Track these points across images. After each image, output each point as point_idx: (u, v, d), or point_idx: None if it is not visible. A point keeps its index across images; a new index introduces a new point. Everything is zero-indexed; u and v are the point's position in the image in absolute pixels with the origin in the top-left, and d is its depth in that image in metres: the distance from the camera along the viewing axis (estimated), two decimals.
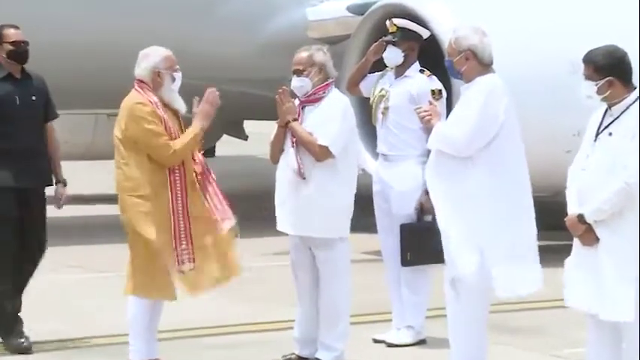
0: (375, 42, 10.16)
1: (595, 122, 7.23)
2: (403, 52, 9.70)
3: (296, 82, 8.47)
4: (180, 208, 7.88)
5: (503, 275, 7.75)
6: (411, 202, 9.30)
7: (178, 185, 7.91)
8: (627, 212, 7.12)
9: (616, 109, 7.17)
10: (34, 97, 9.15)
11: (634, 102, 7.20)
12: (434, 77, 9.44)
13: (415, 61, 9.76)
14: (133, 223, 7.90)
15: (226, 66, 15.05)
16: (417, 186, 9.20)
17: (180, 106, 8.19)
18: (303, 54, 8.60)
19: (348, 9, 15.75)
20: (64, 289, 11.16)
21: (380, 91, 9.80)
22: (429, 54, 10.40)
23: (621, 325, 7.25)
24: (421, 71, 9.67)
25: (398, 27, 9.89)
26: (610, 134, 7.16)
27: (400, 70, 9.74)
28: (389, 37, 9.84)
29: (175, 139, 7.94)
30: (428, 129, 8.05)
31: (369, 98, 9.94)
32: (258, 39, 15.35)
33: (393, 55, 9.74)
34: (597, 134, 7.20)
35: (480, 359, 7.96)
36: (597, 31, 11.55)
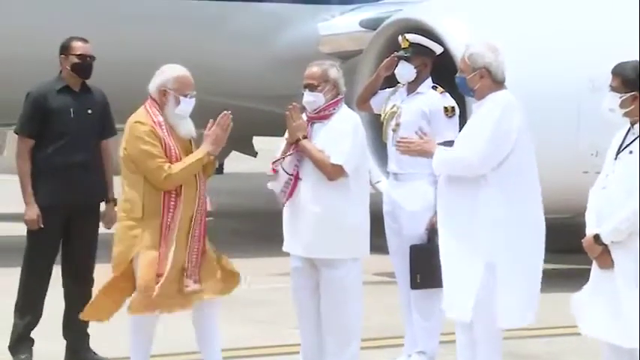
0: (387, 58, 10.07)
1: (617, 140, 7.16)
2: (416, 68, 9.62)
3: (309, 97, 8.31)
4: (167, 235, 7.81)
5: (505, 304, 7.71)
6: (421, 223, 9.19)
7: (171, 212, 7.82)
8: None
9: (638, 127, 7.13)
10: (89, 111, 9.04)
11: None
12: (447, 94, 9.35)
13: (428, 77, 9.67)
14: (123, 248, 7.89)
15: (236, 81, 15.04)
16: (428, 206, 9.08)
17: (185, 131, 8.09)
18: (316, 69, 8.45)
19: (361, 24, 15.77)
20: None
21: (392, 108, 9.70)
22: (443, 69, 10.27)
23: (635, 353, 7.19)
24: (434, 87, 9.58)
25: (410, 42, 9.82)
26: (631, 152, 7.09)
27: (412, 87, 9.65)
28: (401, 53, 9.77)
29: (176, 161, 7.87)
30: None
31: (379, 115, 9.86)
32: (269, 53, 15.41)
33: (405, 71, 9.65)
34: (618, 152, 7.14)
35: None
36: (617, 49, 11.48)
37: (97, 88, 9.19)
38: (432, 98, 9.39)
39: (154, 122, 7.88)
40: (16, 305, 9.05)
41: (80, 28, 13.96)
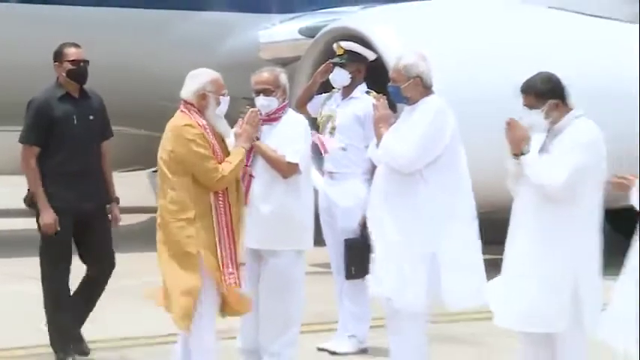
0: (324, 64, 10.29)
1: (539, 141, 7.43)
2: (350, 73, 9.83)
3: (263, 102, 8.49)
4: (226, 232, 7.69)
5: (452, 288, 7.94)
6: (355, 218, 9.37)
7: (222, 209, 7.71)
8: (550, 226, 7.37)
9: (557, 128, 7.43)
10: (91, 117, 8.97)
11: (573, 120, 7.45)
12: (381, 96, 9.27)
13: (362, 83, 9.90)
14: (181, 246, 7.64)
15: (180, 87, 15.06)
16: (360, 203, 9.22)
17: (226, 130, 7.99)
18: (268, 75, 8.69)
19: (300, 32, 15.93)
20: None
21: (328, 112, 9.93)
22: (375, 75, 10.51)
23: (553, 336, 7.48)
24: (367, 92, 9.76)
25: (345, 50, 10.02)
26: (548, 151, 7.40)
27: (347, 92, 9.87)
28: (336, 60, 9.99)
29: (221, 162, 7.75)
30: (378, 137, 8.13)
31: (315, 118, 10.04)
32: (213, 59, 15.18)
33: (340, 77, 9.88)
34: (540, 151, 7.42)
35: None
36: (537, 54, 11.83)
37: (95, 92, 9.14)
38: (366, 102, 9.45)
39: (200, 125, 7.73)
40: (45, 309, 8.95)
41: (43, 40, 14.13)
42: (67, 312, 8.85)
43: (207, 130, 7.77)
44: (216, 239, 7.66)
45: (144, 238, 8.92)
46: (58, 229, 8.70)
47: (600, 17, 14.98)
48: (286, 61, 14.81)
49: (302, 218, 8.70)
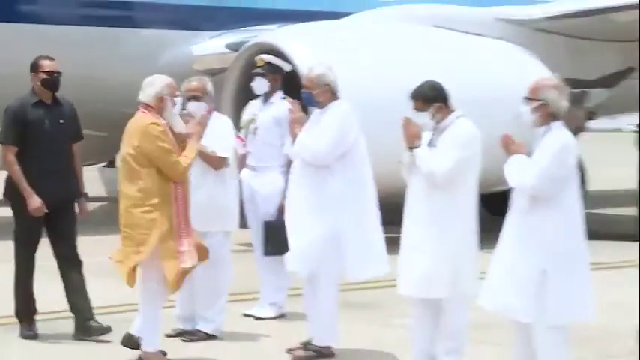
0: (248, 73, 10.35)
1: (427, 137, 7.51)
2: (269, 82, 9.83)
3: (194, 107, 8.54)
4: (183, 216, 7.67)
5: (357, 261, 8.04)
6: (273, 204, 9.41)
7: (180, 196, 7.69)
8: (437, 208, 7.45)
9: (442, 127, 7.52)
10: (62, 121, 8.75)
11: (455, 120, 7.54)
12: (295, 100, 9.32)
13: (279, 90, 9.89)
14: (146, 228, 7.56)
15: (128, 93, 14.94)
16: (278, 191, 9.30)
17: (181, 127, 7.95)
18: (197, 83, 8.77)
19: (226, 46, 15.93)
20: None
21: (250, 115, 9.94)
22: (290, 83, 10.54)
23: (440, 302, 7.55)
24: (283, 98, 9.69)
25: (264, 62, 10.02)
26: (435, 146, 7.49)
27: (267, 97, 9.86)
28: (257, 70, 9.97)
29: (179, 156, 7.73)
30: (294, 135, 8.19)
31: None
32: (153, 70, 15.19)
33: (260, 85, 9.89)
34: (428, 145, 7.50)
35: (333, 331, 8.19)
36: (424, 65, 11.93)
37: (67, 99, 8.93)
38: (282, 107, 9.37)
39: (164, 125, 7.72)
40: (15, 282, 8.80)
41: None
42: (29, 286, 8.75)
43: (167, 128, 7.76)
44: (175, 222, 7.61)
45: (95, 223, 8.85)
46: (46, 211, 8.53)
47: (475, 34, 15.26)
48: (215, 71, 14.84)
49: (228, 204, 8.81)
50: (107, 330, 8.54)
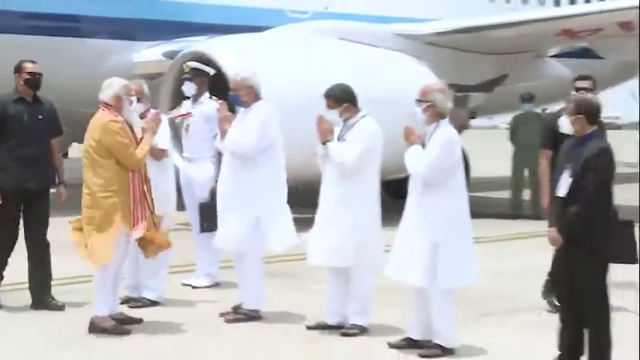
0: (182, 77, 10.29)
1: (337, 132, 7.64)
2: (196, 85, 9.82)
3: (138, 106, 8.47)
4: (139, 199, 7.63)
5: (276, 237, 8.07)
6: (206, 189, 9.38)
7: (137, 183, 7.63)
8: (346, 192, 7.58)
9: (349, 124, 7.64)
10: (40, 117, 8.54)
11: (361, 118, 7.66)
12: (222, 100, 9.27)
13: (206, 91, 9.88)
14: (107, 211, 7.53)
15: (79, 94, 14.73)
16: (210, 178, 9.31)
17: (137, 122, 7.92)
18: (136, 86, 8.66)
19: (163, 54, 15.81)
20: None
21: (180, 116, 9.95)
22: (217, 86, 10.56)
23: (349, 270, 7.64)
24: (210, 98, 9.75)
25: (192, 68, 10.02)
26: (345, 140, 7.60)
27: (196, 98, 9.84)
28: (186, 75, 9.98)
29: (135, 148, 7.68)
30: (223, 132, 8.20)
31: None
32: (98, 75, 15.07)
33: (189, 88, 9.88)
34: (338, 140, 7.61)
35: (260, 297, 8.22)
36: (332, 70, 12.01)
37: (47, 98, 8.73)
38: (210, 105, 9.46)
39: (122, 121, 7.68)
40: None
41: None
42: (4, 259, 8.61)
43: (125, 125, 7.72)
44: (132, 205, 7.60)
45: (55, 206, 8.76)
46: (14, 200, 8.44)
47: (373, 46, 15.40)
48: (153, 76, 14.66)
49: (167, 189, 8.78)
50: (62, 307, 8.45)
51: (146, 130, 7.94)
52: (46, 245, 8.67)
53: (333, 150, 7.58)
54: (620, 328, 7.19)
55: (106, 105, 7.77)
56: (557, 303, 7.03)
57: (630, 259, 7.75)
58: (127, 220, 7.61)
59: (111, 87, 7.82)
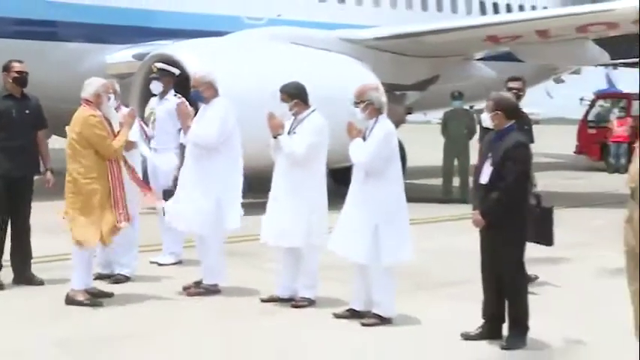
0: (149, 77, 10.19)
1: (287, 125, 7.59)
2: (162, 84, 9.74)
3: (113, 103, 8.29)
4: (117, 185, 7.60)
5: (229, 218, 8.00)
6: (170, 176, 9.25)
7: (114, 171, 7.61)
8: (296, 180, 7.53)
9: (300, 118, 7.59)
10: (27, 112, 8.40)
11: (310, 113, 7.61)
12: (183, 98, 9.35)
13: (171, 90, 9.77)
14: (88, 195, 7.51)
15: (60, 91, 14.59)
16: (173, 167, 9.16)
17: (115, 118, 7.92)
18: (109, 84, 8.38)
19: (133, 56, 15.58)
20: None
21: (150, 110, 9.88)
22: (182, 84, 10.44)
23: (298, 250, 7.61)
24: (175, 95, 9.63)
25: (158, 68, 9.93)
26: (295, 133, 7.55)
27: (162, 95, 9.76)
28: (153, 75, 9.89)
29: (113, 140, 7.64)
30: (186, 127, 8.13)
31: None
32: (76, 75, 14.95)
33: (156, 86, 9.81)
34: (289, 133, 7.56)
35: (219, 273, 8.16)
36: (285, 70, 11.92)
37: (33, 95, 8.58)
38: (174, 102, 9.33)
39: (98, 115, 7.63)
40: None
41: None
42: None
43: (104, 119, 7.69)
44: (111, 190, 7.58)
45: (39, 192, 8.66)
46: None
47: (322, 49, 15.39)
48: (124, 75, 14.49)
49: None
50: (42, 283, 8.35)
51: (123, 124, 7.92)
52: (28, 228, 8.54)
53: (284, 142, 7.54)
54: (538, 298, 7.27)
55: (87, 102, 7.74)
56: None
57: (547, 242, 7.87)
58: (107, 204, 7.56)
59: (91, 85, 7.80)
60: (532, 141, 8.05)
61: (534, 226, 7.50)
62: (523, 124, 8.06)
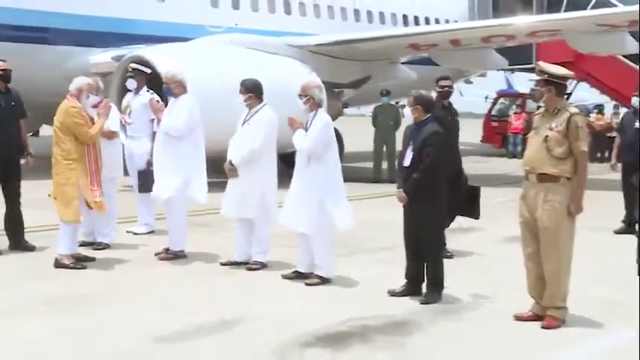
0: (125, 75, 10.01)
1: (242, 118, 7.49)
2: (137, 81, 9.58)
3: (94, 98, 8.03)
4: (93, 167, 7.47)
5: (196, 193, 7.90)
6: (144, 159, 9.14)
7: (91, 154, 7.47)
8: (253, 165, 7.41)
9: (253, 111, 7.47)
10: (13, 103, 8.21)
11: (262, 107, 7.49)
12: (154, 94, 9.23)
13: (144, 86, 9.60)
14: (67, 175, 7.38)
15: (48, 87, 14.33)
16: (147, 151, 9.01)
17: (90, 111, 7.70)
18: (93, 82, 8.16)
19: (112, 58, 15.29)
20: None
21: (126, 103, 9.70)
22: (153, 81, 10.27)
23: (252, 220, 7.51)
24: (148, 91, 9.47)
25: (132, 68, 9.77)
26: (249, 124, 7.44)
27: (137, 91, 9.58)
28: (129, 74, 9.73)
29: (90, 127, 7.49)
30: (158, 119, 8.07)
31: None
32: (65, 72, 14.74)
33: (131, 83, 9.64)
34: (243, 123, 7.48)
35: (183, 240, 8.06)
36: (242, 70, 11.78)
37: (15, 89, 8.35)
38: (146, 96, 9.23)
39: (78, 107, 7.50)
40: None
41: None
42: None
43: (83, 110, 7.56)
44: (88, 171, 7.45)
45: (28, 173, 8.46)
46: None
47: (272, 53, 15.31)
48: (106, 74, 14.20)
49: (117, 160, 8.65)
50: (33, 248, 8.19)
51: (99, 114, 7.78)
52: (19, 202, 8.36)
53: (240, 135, 7.52)
54: (451, 261, 7.29)
55: (71, 95, 7.63)
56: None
57: (475, 216, 7.94)
58: (85, 182, 7.42)
59: (76, 82, 7.71)
60: (458, 128, 8.14)
61: (464, 202, 7.57)
62: (452, 114, 8.10)
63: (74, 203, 7.41)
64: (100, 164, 7.60)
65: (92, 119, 7.66)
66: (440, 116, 7.82)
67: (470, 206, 7.72)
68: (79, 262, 7.54)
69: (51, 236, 8.32)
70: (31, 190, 8.55)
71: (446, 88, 8.22)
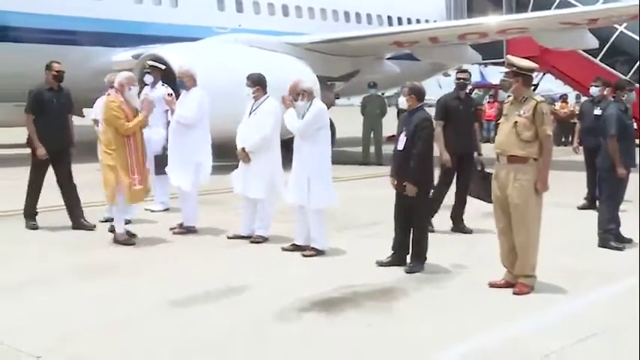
0: (143, 71, 9.89)
1: (248, 108, 7.37)
2: (153, 76, 9.48)
3: (135, 90, 7.79)
4: (134, 157, 7.22)
5: (203, 176, 7.85)
6: (160, 145, 9.05)
7: (132, 145, 7.19)
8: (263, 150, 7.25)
9: (258, 102, 7.36)
10: (63, 101, 8.06)
11: (266, 98, 7.36)
12: (169, 87, 9.15)
13: (159, 80, 9.51)
14: (110, 162, 7.18)
15: (76, 83, 13.91)
16: (162, 138, 8.95)
17: (136, 103, 7.41)
18: (132, 76, 8.01)
19: (132, 56, 15.07)
20: None
21: (145, 95, 9.39)
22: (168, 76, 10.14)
23: (256, 200, 7.40)
24: (163, 85, 9.39)
25: (149, 65, 9.70)
26: (256, 114, 7.32)
27: (153, 85, 9.48)
28: (146, 70, 9.66)
29: (130, 121, 7.20)
30: (171, 110, 7.94)
31: None
32: (91, 70, 14.70)
33: (148, 78, 9.53)
34: (250, 113, 7.35)
35: (195, 216, 7.97)
36: (247, 65, 11.61)
37: (66, 87, 8.17)
38: (161, 89, 9.16)
39: (120, 101, 7.23)
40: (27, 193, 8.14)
41: None
42: (33, 197, 8.14)
43: (124, 103, 7.27)
44: (128, 160, 7.21)
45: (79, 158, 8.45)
46: (47, 157, 7.99)
47: (272, 51, 15.11)
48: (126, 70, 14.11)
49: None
50: (93, 227, 8.06)
51: (142, 109, 7.44)
52: (74, 186, 8.22)
53: (246, 124, 7.37)
54: (434, 235, 7.19)
55: (114, 89, 7.41)
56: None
57: (487, 199, 7.84)
58: (125, 170, 7.19)
59: (119, 77, 7.44)
60: (474, 115, 8.08)
61: (477, 185, 7.49)
62: (466, 104, 7.98)
63: (111, 186, 7.19)
64: (143, 155, 7.34)
65: (136, 110, 7.42)
66: (452, 106, 7.73)
67: (483, 189, 7.61)
68: (130, 237, 7.42)
69: (102, 211, 8.29)
70: (79, 174, 8.46)
71: (461, 80, 8.05)
